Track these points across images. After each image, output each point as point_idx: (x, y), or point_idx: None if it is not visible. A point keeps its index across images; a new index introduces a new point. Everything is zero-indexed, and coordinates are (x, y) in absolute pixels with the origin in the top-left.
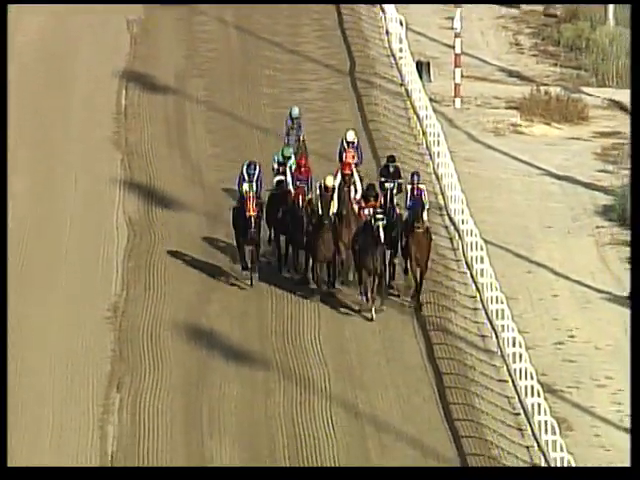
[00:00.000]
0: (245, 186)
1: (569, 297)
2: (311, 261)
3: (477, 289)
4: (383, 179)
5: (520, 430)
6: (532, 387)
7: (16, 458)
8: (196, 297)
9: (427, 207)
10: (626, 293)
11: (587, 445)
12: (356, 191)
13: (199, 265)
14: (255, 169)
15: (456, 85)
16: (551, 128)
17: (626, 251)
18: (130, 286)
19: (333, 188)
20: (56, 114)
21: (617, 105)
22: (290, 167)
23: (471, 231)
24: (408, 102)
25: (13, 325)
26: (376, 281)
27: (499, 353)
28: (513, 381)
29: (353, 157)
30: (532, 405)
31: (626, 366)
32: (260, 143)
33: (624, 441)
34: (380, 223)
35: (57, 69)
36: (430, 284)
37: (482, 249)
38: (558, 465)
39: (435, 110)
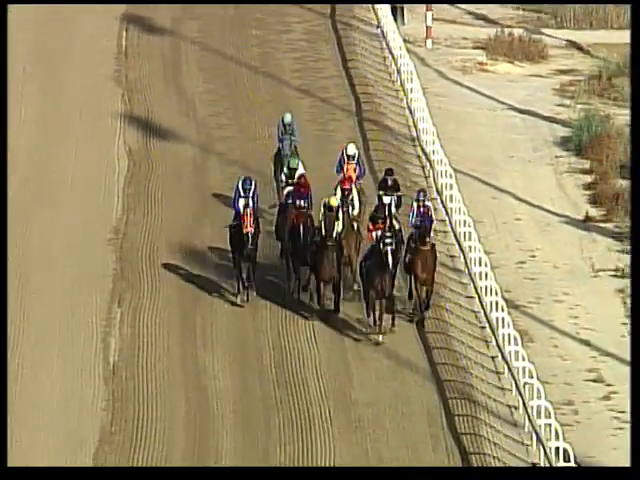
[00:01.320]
0: (241, 202)
1: (530, 221)
2: (315, 280)
3: (447, 213)
4: (381, 192)
5: (486, 342)
6: (497, 303)
7: (25, 368)
8: (191, 221)
9: (434, 225)
10: (581, 217)
11: (547, 355)
12: (353, 207)
13: (193, 191)
14: (250, 184)
15: (427, 27)
16: (514, 66)
17: (582, 178)
18: (130, 211)
19: (337, 208)
20: (62, 54)
21: (574, 45)
22: (294, 176)
23: (441, 160)
24: (384, 43)
25: (20, 246)
26: (384, 304)
27: (466, 272)
28: (479, 297)
29: (354, 170)
30: (497, 319)
31: (582, 284)
32: (248, 80)
33: (580, 352)
34: (389, 248)
35: (62, 15)
36: (402, 208)
37: (451, 177)
38: (522, 380)
39: (408, 50)
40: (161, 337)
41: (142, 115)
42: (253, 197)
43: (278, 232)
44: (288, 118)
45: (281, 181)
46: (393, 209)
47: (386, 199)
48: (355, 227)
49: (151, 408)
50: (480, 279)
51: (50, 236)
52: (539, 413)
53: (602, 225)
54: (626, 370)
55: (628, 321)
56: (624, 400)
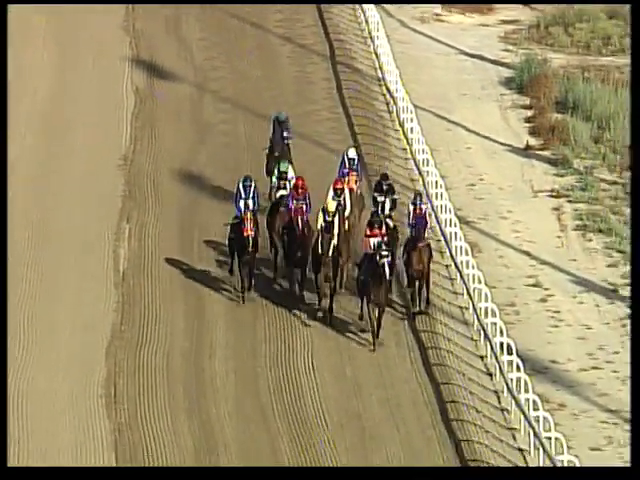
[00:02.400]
0: (242, 204)
1: (479, 149)
2: (315, 277)
3: (407, 142)
4: (377, 194)
5: (441, 252)
6: (450, 219)
7: (47, 274)
8: (189, 150)
9: (429, 226)
10: (522, 145)
11: (493, 264)
12: (344, 207)
13: (191, 124)
14: (250, 183)
15: None
16: (465, 17)
17: (523, 113)
18: (137, 141)
19: (335, 213)
20: (76, 9)
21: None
22: (289, 180)
23: (403, 98)
24: None
25: (42, 169)
26: (377, 312)
27: (425, 192)
28: (436, 215)
29: (356, 182)
30: (450, 233)
31: (523, 203)
32: (239, 29)
33: (521, 261)
34: (385, 260)
35: None
36: (369, 138)
37: (411, 112)
38: (473, 291)
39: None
40: (163, 249)
41: (147, 59)
42: (253, 197)
43: (269, 228)
44: (283, 116)
45: (273, 184)
46: (387, 210)
47: (380, 198)
48: (347, 225)
49: (155, 310)
50: (436, 199)
51: (67, 162)
52: (486, 313)
53: (540, 153)
54: (561, 276)
55: (562, 235)
56: (559, 302)
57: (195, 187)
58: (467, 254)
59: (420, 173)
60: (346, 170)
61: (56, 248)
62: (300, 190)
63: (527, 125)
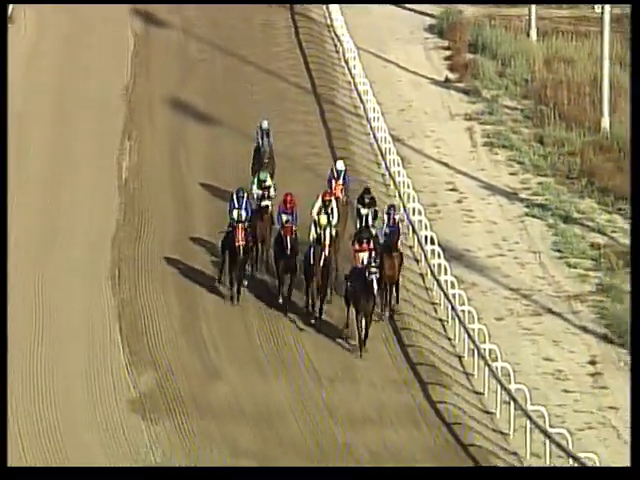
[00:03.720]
0: (234, 214)
1: (408, 82)
2: (306, 286)
3: (351, 76)
4: (360, 206)
5: (377, 164)
6: (385, 137)
7: (66, 187)
8: (178, 80)
9: (401, 236)
10: (442, 79)
11: (419, 173)
12: (332, 216)
13: (179, 59)
14: (243, 194)
15: None
16: None
17: (443, 53)
18: (137, 75)
19: (326, 226)
20: None
21: None
22: (269, 188)
23: (348, 41)
24: None
25: (57, 95)
26: (364, 323)
27: (365, 116)
28: (373, 133)
29: (342, 191)
30: (385, 149)
31: (443, 124)
32: None
33: (442, 170)
34: (374, 276)
35: None
36: (320, 73)
37: (353, 52)
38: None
39: None
40: (157, 161)
41: (144, 16)
42: (246, 207)
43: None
44: (265, 124)
45: (253, 192)
46: (370, 220)
47: (363, 211)
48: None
49: (150, 208)
50: (374, 121)
51: (76, 91)
52: (414, 211)
53: (456, 84)
54: (472, 182)
55: (474, 149)
56: (471, 203)
57: (182, 111)
58: (399, 165)
59: (361, 101)
60: (334, 182)
61: (68, 161)
62: (288, 205)
63: (446, 62)
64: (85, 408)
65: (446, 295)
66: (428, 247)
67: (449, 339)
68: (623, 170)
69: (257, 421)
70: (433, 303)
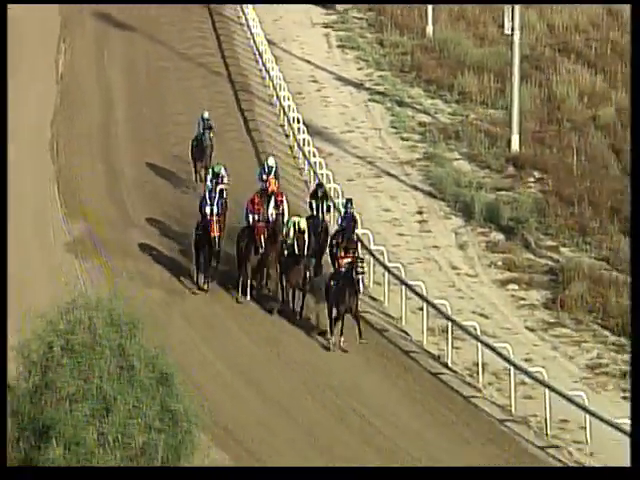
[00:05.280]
0: (207, 209)
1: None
2: (284, 284)
3: (252, 35)
4: (313, 201)
5: (256, 62)
6: (262, 41)
7: (20, 97)
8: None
9: (357, 228)
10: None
11: (289, 69)
12: (283, 215)
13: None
14: (215, 194)
15: None
16: None
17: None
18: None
19: (305, 230)
20: None
21: None
22: (222, 177)
23: (253, 19)
24: None
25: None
26: (342, 321)
27: (246, 24)
28: (254, 39)
29: (277, 186)
30: (262, 50)
31: (306, 31)
32: None
33: (305, 65)
34: (361, 276)
35: None
36: (232, 52)
37: (255, 20)
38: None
39: None
40: (86, 61)
41: None
42: (218, 203)
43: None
44: (206, 114)
45: (208, 185)
46: (322, 214)
47: (315, 204)
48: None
49: (81, 99)
50: (253, 28)
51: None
52: (284, 98)
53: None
54: (329, 75)
55: (330, 50)
56: (328, 91)
57: (104, 20)
58: (272, 62)
59: (243, 12)
60: (265, 177)
61: (14, 63)
62: (256, 206)
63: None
64: (33, 251)
65: (309, 162)
66: (295, 125)
67: None
68: (443, 66)
69: (167, 261)
70: (299, 168)
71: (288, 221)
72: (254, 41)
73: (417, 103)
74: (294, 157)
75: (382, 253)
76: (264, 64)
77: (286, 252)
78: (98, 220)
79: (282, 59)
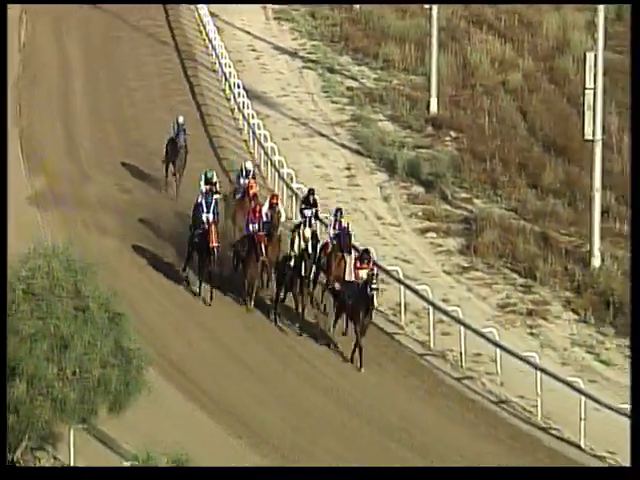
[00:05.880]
0: (204, 217)
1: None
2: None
3: (202, 23)
4: (304, 206)
5: (200, 32)
6: (205, 14)
7: None
8: None
9: (352, 238)
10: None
11: (230, 39)
12: (280, 215)
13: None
14: (211, 200)
15: None
16: None
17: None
18: None
19: (309, 239)
20: None
21: None
22: (215, 184)
23: (205, 13)
24: None
25: None
26: (359, 333)
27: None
28: (198, 12)
29: (255, 186)
30: (205, 21)
31: (250, 13)
32: None
33: (246, 37)
34: (374, 292)
35: None
36: (181, 31)
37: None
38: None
39: None
40: (46, 32)
41: None
42: (214, 211)
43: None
44: (181, 119)
45: (201, 188)
46: (313, 220)
47: (307, 212)
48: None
49: (42, 69)
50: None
51: None
52: (226, 65)
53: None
54: (267, 45)
55: (268, 22)
56: (266, 59)
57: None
58: (215, 33)
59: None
60: (243, 180)
61: None
62: (257, 215)
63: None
64: None
65: (248, 123)
66: (236, 90)
67: (250, 153)
68: (368, 36)
69: (121, 212)
70: (239, 129)
71: (294, 230)
72: (198, 14)
73: (346, 70)
74: (234, 119)
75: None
76: (207, 34)
77: (292, 262)
78: (57, 175)
79: (224, 30)
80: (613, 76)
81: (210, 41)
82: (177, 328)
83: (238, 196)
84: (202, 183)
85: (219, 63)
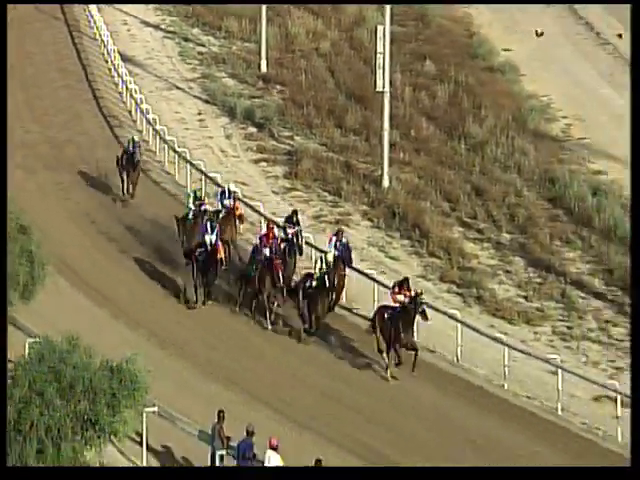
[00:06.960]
0: (207, 239)
1: None
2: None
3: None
4: (287, 224)
5: (84, 10)
6: (94, 7)
7: None
8: None
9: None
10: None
11: (110, 22)
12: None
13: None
14: (214, 223)
15: None
16: None
17: None
18: None
19: (331, 263)
20: None
21: None
22: (202, 199)
23: (97, 12)
24: None
25: None
26: (398, 351)
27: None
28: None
29: (240, 207)
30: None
31: (137, 17)
32: None
33: (122, 17)
34: (424, 306)
35: None
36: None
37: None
38: None
39: None
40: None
41: None
42: (216, 233)
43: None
44: (137, 138)
45: (189, 205)
46: (297, 239)
47: (290, 230)
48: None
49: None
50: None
51: None
52: (105, 36)
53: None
54: (137, 21)
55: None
56: (135, 32)
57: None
58: (96, 10)
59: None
60: (227, 201)
61: None
62: (270, 240)
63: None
64: None
65: (122, 79)
66: (113, 54)
67: (124, 103)
68: (214, 13)
69: (50, 157)
70: (115, 84)
71: (324, 257)
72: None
73: (197, 39)
74: (111, 76)
75: (173, 141)
76: (90, 12)
77: (314, 283)
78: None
79: (103, 8)
80: (398, 44)
81: (92, 17)
82: (71, 237)
83: (221, 215)
84: (190, 201)
85: (99, 34)
